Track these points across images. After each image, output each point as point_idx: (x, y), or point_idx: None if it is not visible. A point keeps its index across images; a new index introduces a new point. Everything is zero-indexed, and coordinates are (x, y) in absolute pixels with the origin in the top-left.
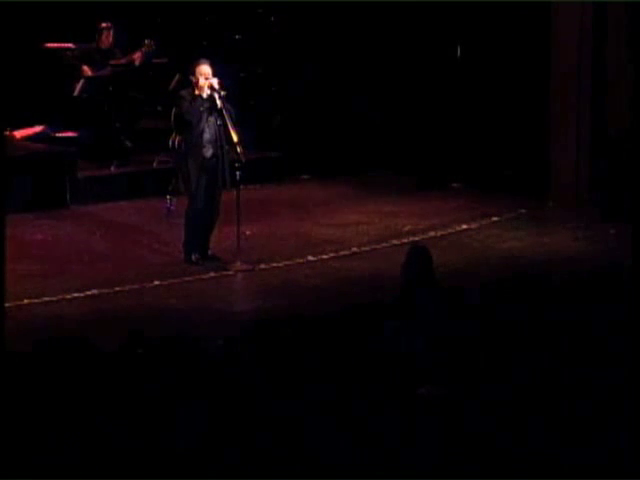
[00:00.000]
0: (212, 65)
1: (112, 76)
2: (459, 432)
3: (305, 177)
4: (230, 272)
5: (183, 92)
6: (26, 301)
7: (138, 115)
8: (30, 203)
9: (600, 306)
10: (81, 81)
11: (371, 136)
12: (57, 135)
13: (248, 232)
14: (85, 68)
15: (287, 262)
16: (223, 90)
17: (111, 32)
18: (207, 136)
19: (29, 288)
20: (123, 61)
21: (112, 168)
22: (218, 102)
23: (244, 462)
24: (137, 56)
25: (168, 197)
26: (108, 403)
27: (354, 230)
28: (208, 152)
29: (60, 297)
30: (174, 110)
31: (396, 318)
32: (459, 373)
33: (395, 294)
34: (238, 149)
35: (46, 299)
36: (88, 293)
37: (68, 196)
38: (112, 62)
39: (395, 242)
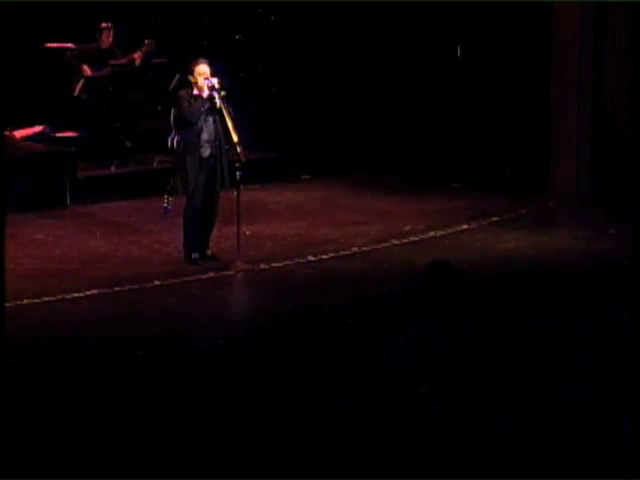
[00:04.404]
0: (211, 65)
1: (112, 76)
2: (459, 432)
3: (305, 177)
4: (230, 272)
5: (182, 92)
6: (26, 301)
7: (138, 115)
8: (30, 203)
9: (600, 306)
10: (81, 81)
11: (371, 136)
12: (57, 135)
13: (248, 232)
14: (85, 68)
15: (287, 262)
16: (223, 90)
17: (111, 32)
18: (205, 136)
19: (29, 288)
20: (123, 61)
21: (112, 168)
22: (218, 102)
23: (243, 461)
24: (137, 56)
25: (165, 197)
26: (108, 403)
27: (354, 230)
28: (206, 152)
29: (60, 297)
30: (174, 110)
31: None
32: (459, 373)
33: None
34: (238, 149)
35: (46, 299)
36: (88, 293)
37: (68, 196)
38: (112, 62)
39: (395, 242)
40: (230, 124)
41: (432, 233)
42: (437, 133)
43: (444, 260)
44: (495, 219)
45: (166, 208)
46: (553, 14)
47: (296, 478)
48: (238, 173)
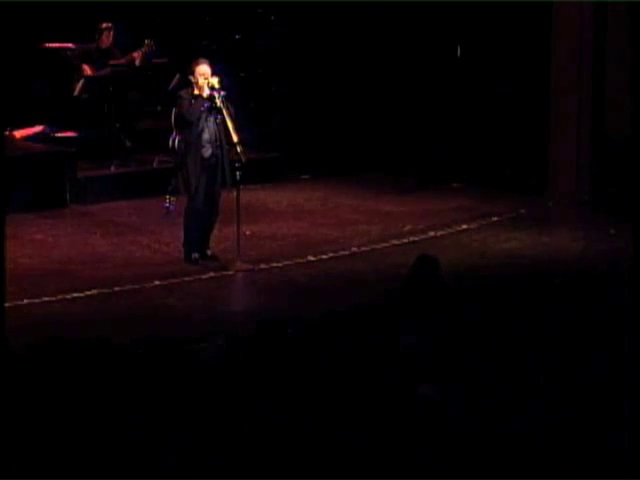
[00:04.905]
0: (211, 65)
1: (112, 76)
2: (458, 432)
3: (305, 177)
4: (230, 272)
5: (183, 92)
6: (26, 301)
7: (138, 115)
8: (30, 203)
9: (600, 306)
10: (81, 81)
11: (371, 136)
12: (57, 135)
13: (248, 232)
14: (85, 68)
15: (287, 262)
16: (223, 90)
17: (111, 32)
18: (206, 136)
19: (29, 288)
20: (123, 61)
21: (112, 168)
22: (218, 102)
23: (243, 461)
24: (137, 56)
25: (167, 197)
26: (108, 403)
27: (354, 230)
28: (207, 152)
29: (60, 297)
30: (174, 110)
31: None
32: (459, 373)
33: (391, 294)
34: (238, 149)
35: (46, 299)
36: (88, 293)
37: (68, 196)
38: (112, 62)
39: (395, 242)
40: (230, 124)
41: (432, 233)
42: (437, 133)
43: (431, 257)
44: (495, 219)
45: (168, 208)
46: (553, 14)
47: (296, 478)
48: (238, 173)
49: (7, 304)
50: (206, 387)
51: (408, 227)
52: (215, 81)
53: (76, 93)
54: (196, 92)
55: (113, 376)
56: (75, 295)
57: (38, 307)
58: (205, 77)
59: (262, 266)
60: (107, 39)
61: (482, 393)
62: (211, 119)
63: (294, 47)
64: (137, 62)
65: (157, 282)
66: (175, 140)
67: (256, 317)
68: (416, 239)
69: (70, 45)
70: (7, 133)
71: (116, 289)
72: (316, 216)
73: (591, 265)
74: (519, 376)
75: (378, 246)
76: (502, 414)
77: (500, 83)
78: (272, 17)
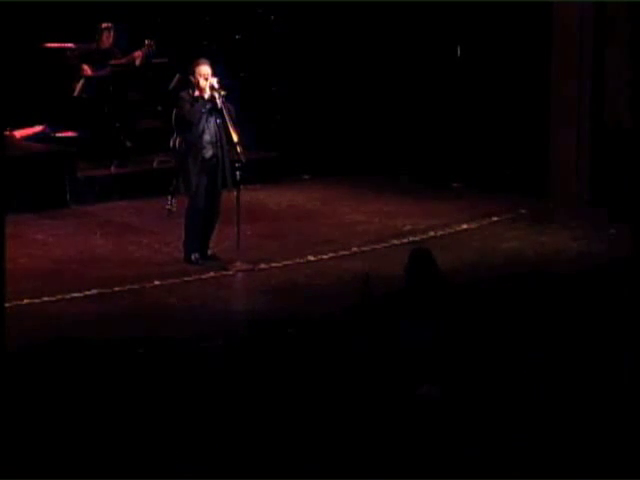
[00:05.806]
0: (212, 65)
1: (112, 76)
2: (458, 432)
3: (305, 177)
4: (230, 272)
5: (183, 93)
6: (26, 301)
7: (138, 115)
8: (30, 203)
9: (600, 305)
10: (81, 81)
11: (371, 136)
12: (57, 135)
13: (248, 232)
14: (85, 68)
15: (287, 262)
16: (223, 90)
17: (111, 32)
18: (207, 137)
19: (29, 288)
20: (123, 61)
21: (112, 168)
22: (218, 102)
23: (243, 461)
24: (137, 56)
25: (169, 197)
26: (108, 403)
27: (354, 230)
28: (208, 152)
29: (60, 297)
30: (175, 111)
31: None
32: (459, 373)
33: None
34: (238, 149)
35: (46, 299)
36: (88, 293)
37: (68, 196)
38: (112, 62)
39: (395, 242)
40: (230, 124)
41: (432, 233)
42: (437, 133)
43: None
44: (495, 219)
45: (170, 210)
46: (553, 14)
47: (295, 478)
48: (238, 173)
49: (7, 304)
50: (206, 387)
51: (408, 227)
52: (214, 81)
53: (76, 93)
54: (197, 93)
55: (113, 376)
56: (75, 295)
57: (38, 307)
58: (205, 78)
59: (262, 266)
60: (107, 39)
61: (482, 393)
62: (212, 120)
63: (294, 47)
64: (137, 62)
65: (157, 282)
66: (176, 140)
67: (256, 317)
68: (416, 239)
69: (70, 45)
70: (7, 133)
71: (116, 289)
72: (316, 216)
73: (591, 265)
74: (519, 376)
75: (378, 246)
76: (502, 414)
77: (500, 82)
78: (272, 17)
